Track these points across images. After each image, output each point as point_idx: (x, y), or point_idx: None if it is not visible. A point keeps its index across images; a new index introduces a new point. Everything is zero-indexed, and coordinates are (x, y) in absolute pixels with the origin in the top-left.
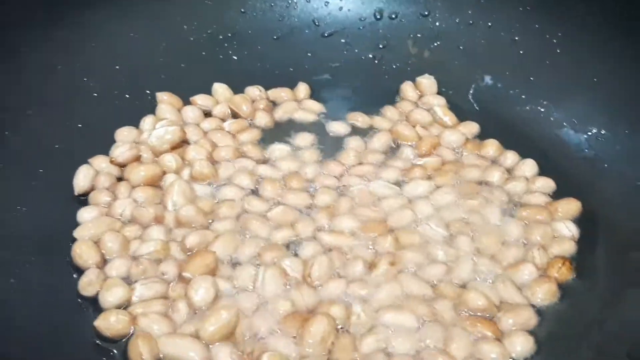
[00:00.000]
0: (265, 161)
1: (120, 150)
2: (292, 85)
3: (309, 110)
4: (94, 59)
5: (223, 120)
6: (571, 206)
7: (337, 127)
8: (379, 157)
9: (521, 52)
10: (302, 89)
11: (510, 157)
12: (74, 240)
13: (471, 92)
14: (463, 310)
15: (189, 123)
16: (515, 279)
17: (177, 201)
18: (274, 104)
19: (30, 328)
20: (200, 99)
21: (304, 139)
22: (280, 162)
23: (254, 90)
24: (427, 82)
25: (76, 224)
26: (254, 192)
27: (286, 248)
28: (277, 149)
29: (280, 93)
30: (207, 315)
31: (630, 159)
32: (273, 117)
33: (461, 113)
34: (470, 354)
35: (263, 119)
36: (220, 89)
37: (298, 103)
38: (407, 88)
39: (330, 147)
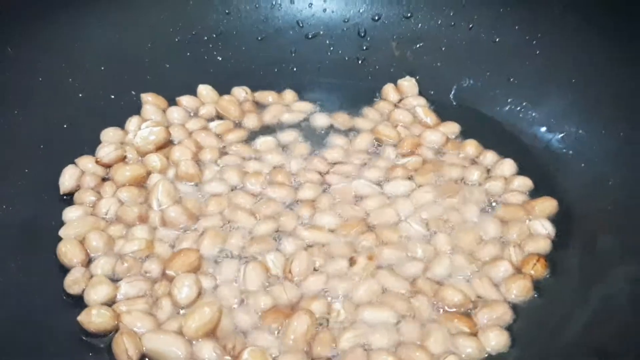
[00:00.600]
0: (252, 158)
1: (106, 150)
2: (276, 86)
3: (297, 111)
4: (79, 59)
5: (208, 120)
6: (548, 205)
7: (320, 122)
8: (362, 157)
9: (501, 53)
10: (290, 95)
11: (490, 157)
12: (59, 239)
13: (452, 92)
14: (440, 306)
15: (174, 124)
16: (491, 276)
17: (162, 201)
18: (260, 106)
19: (16, 326)
20: (185, 100)
21: (289, 135)
22: (266, 154)
23: (240, 92)
24: (408, 84)
25: (62, 223)
26: (241, 188)
27: (272, 240)
28: (264, 142)
29: (267, 97)
30: (190, 311)
31: (607, 158)
32: (261, 119)
33: (443, 113)
34: (446, 348)
35: (251, 121)
36: (205, 90)
37: (286, 107)
38: (388, 90)
39: (314, 143)
